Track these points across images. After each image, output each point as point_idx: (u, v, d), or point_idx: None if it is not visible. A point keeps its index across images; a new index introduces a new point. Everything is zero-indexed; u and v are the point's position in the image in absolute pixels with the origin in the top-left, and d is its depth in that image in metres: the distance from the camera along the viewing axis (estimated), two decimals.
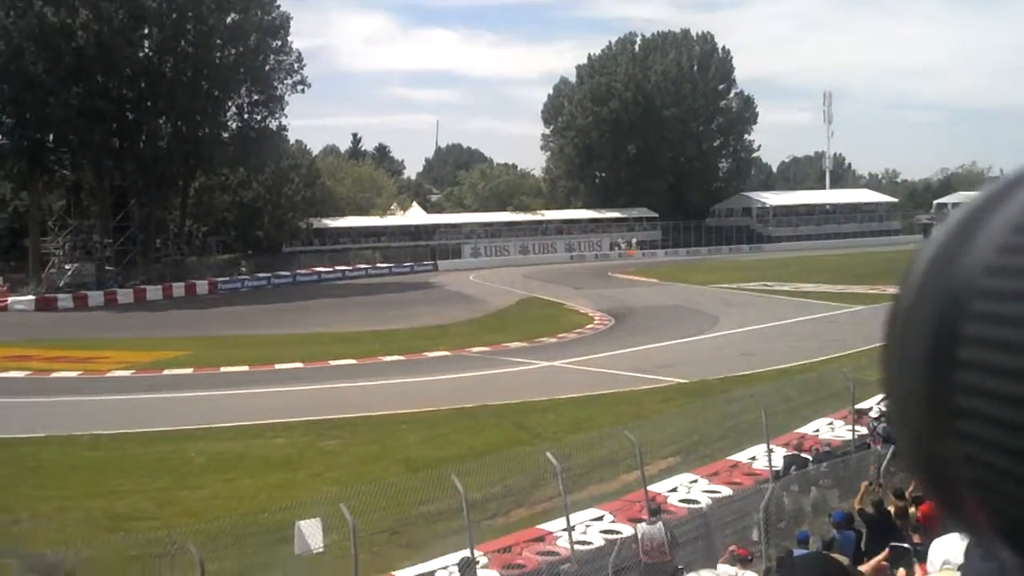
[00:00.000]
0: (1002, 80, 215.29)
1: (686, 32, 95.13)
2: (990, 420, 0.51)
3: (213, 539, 11.17)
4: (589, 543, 12.93)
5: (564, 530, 12.69)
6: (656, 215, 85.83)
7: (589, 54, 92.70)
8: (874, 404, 18.68)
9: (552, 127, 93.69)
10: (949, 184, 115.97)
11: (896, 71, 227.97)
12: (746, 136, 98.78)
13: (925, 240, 0.59)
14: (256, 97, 64.14)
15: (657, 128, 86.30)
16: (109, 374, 28.71)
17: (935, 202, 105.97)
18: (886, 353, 0.59)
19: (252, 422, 21.18)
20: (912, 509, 11.99)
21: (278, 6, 63.40)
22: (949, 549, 3.19)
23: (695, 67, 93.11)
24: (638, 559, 11.68)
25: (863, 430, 17.31)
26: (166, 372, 28.83)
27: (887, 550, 9.96)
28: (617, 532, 13.09)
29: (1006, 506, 0.51)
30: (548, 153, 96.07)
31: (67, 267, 54.45)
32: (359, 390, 25.19)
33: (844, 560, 8.67)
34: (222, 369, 28.85)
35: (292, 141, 76.37)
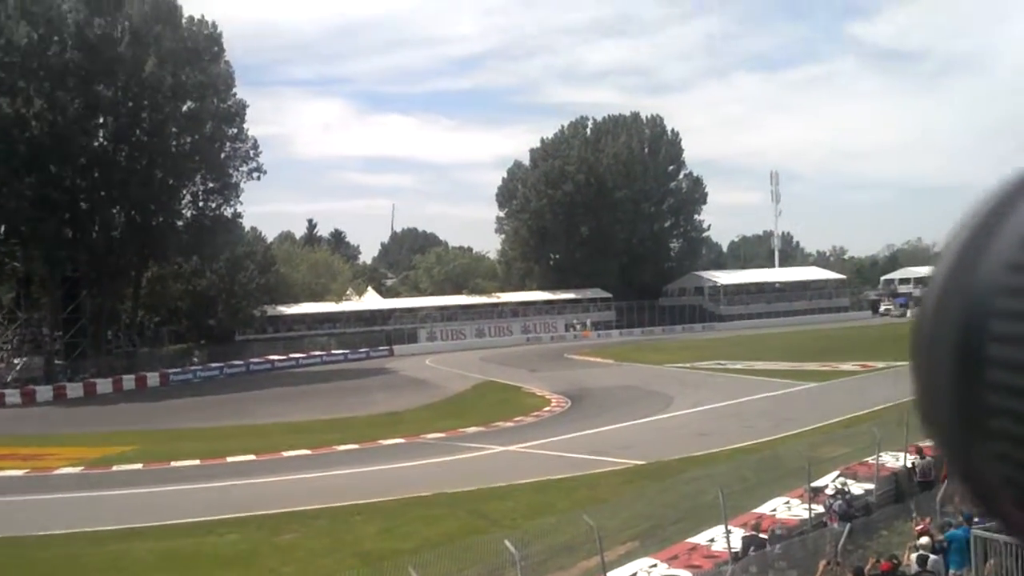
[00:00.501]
0: (945, 158, 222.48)
1: (636, 115, 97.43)
2: (1021, 417, 0.51)
3: None
4: None
5: None
6: (610, 295, 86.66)
7: (542, 138, 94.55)
8: (829, 482, 18.81)
9: (506, 210, 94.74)
10: (896, 260, 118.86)
11: (842, 151, 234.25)
12: (696, 216, 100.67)
13: (946, 242, 0.59)
14: (211, 185, 64.20)
15: (610, 209, 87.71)
16: (57, 471, 27.95)
17: (882, 278, 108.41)
18: (914, 355, 0.60)
19: (204, 518, 20.72)
20: None
21: (234, 94, 64.02)
22: None
23: (646, 149, 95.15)
24: None
25: (819, 508, 17.35)
26: (115, 468, 28.17)
27: None
28: None
29: None
30: (503, 236, 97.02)
31: (15, 361, 53.41)
32: (313, 481, 24.78)
33: None
34: (172, 463, 28.30)
35: (247, 228, 76.56)
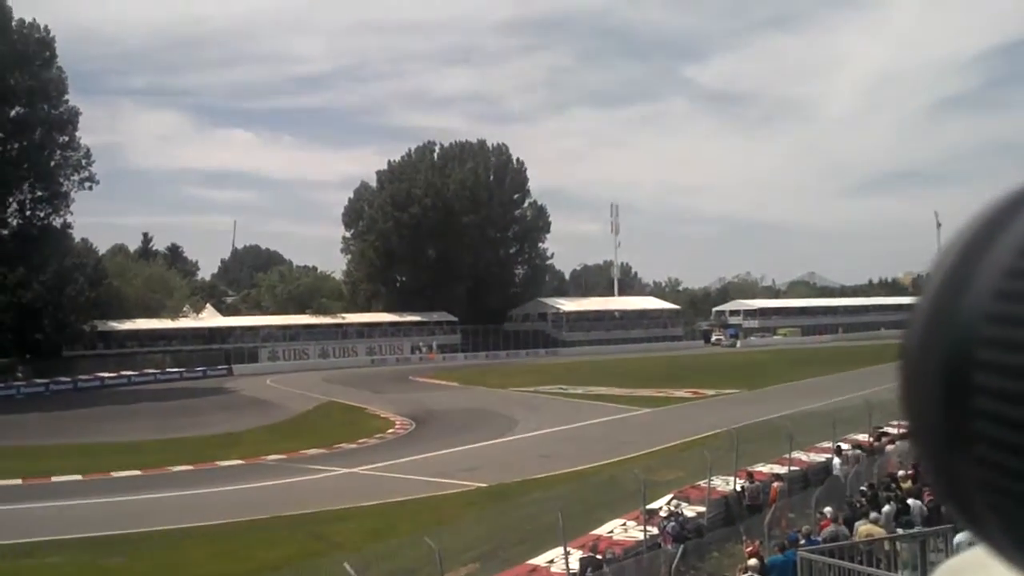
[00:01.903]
0: (771, 197, 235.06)
1: (482, 143, 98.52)
2: (1006, 444, 0.52)
3: None
4: None
5: None
6: (456, 319, 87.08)
7: (389, 160, 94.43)
8: (664, 504, 19.49)
9: (353, 231, 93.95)
10: (726, 292, 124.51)
11: (675, 186, 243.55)
12: (540, 244, 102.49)
13: (933, 264, 0.60)
14: (40, 193, 61.36)
15: (456, 234, 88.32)
16: None
17: (714, 309, 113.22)
18: (902, 377, 0.60)
19: (25, 540, 19.60)
20: None
21: (66, 100, 61.38)
22: None
23: (491, 177, 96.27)
24: None
25: (654, 530, 17.95)
26: None
27: None
28: None
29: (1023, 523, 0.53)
30: (349, 256, 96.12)
31: None
32: (144, 503, 23.80)
33: None
34: None
35: (77, 239, 73.10)
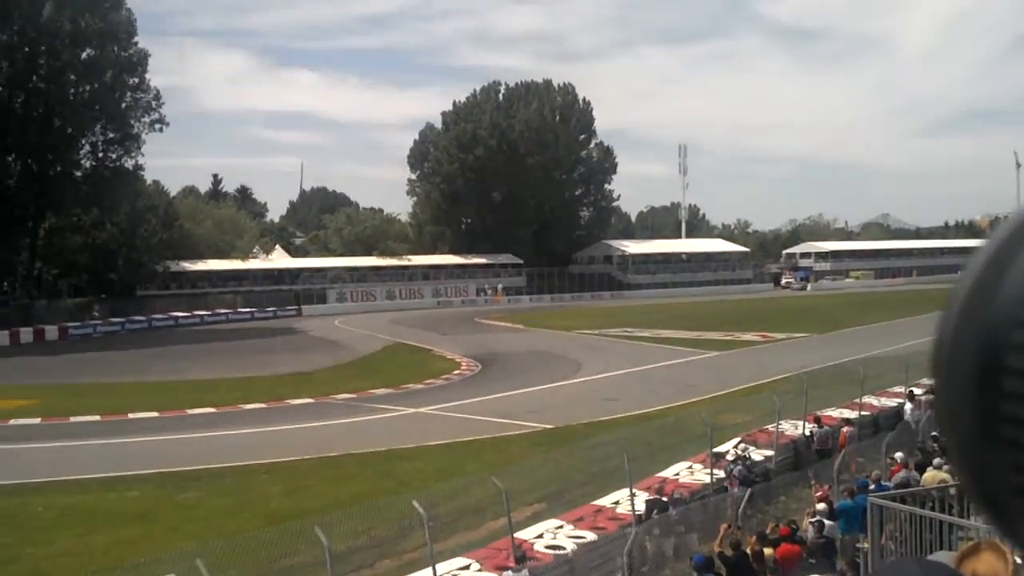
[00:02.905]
0: (847, 136, 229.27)
1: (548, 83, 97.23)
2: None
3: None
4: None
5: None
6: (521, 261, 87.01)
7: (454, 101, 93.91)
8: (730, 448, 19.33)
9: (418, 172, 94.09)
10: (797, 235, 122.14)
11: (747, 125, 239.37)
12: (606, 186, 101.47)
13: (975, 254, 0.60)
14: (111, 135, 62.27)
15: (521, 176, 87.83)
16: None
17: (784, 252, 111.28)
18: (934, 361, 0.61)
19: (104, 474, 20.24)
20: (769, 551, 12.44)
21: (135, 42, 61.98)
22: None
23: (557, 117, 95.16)
24: None
25: (721, 473, 17.84)
26: (12, 422, 27.24)
27: None
28: None
29: None
30: (414, 198, 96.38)
31: None
32: (218, 440, 24.40)
33: None
34: (72, 419, 27.45)
35: (149, 181, 74.40)
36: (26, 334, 53.80)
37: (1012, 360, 0.53)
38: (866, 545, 12.87)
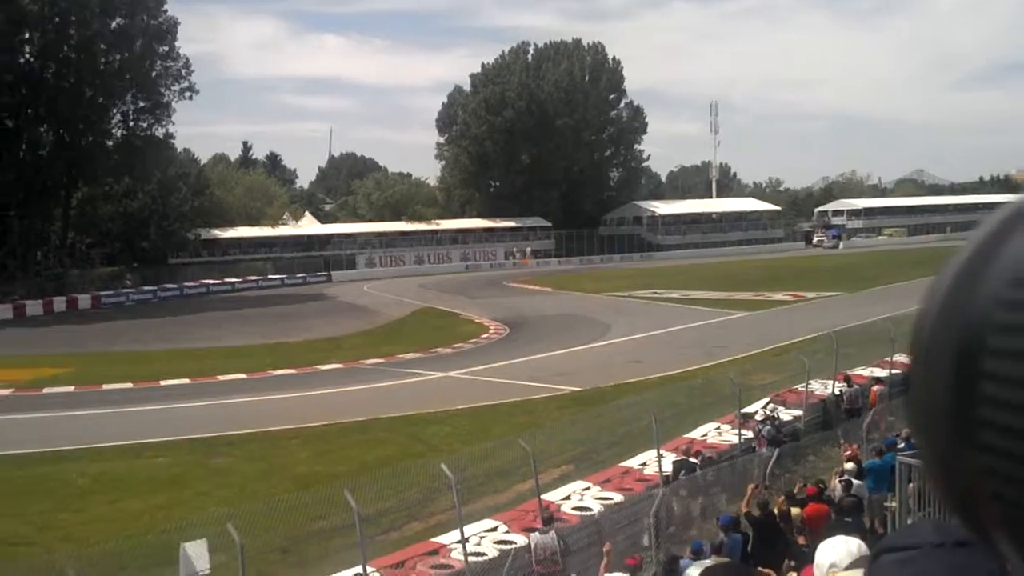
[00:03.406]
0: (881, 92, 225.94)
1: (577, 42, 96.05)
2: (1012, 432, 0.52)
3: (95, 563, 10.80)
4: (483, 554, 12.92)
5: (458, 542, 12.65)
6: (550, 224, 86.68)
7: (483, 63, 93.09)
8: (759, 408, 19.24)
9: (447, 136, 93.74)
10: (830, 192, 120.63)
11: (779, 82, 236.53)
12: (636, 146, 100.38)
13: (953, 254, 0.60)
14: (142, 104, 62.52)
15: (550, 137, 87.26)
16: None
17: (816, 210, 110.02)
18: (911, 363, 0.60)
19: (136, 441, 20.55)
20: (796, 511, 12.38)
21: (165, 11, 61.97)
22: (835, 552, 3.29)
23: (587, 77, 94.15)
24: (531, 569, 11.75)
25: (749, 434, 17.78)
26: (46, 390, 27.71)
27: None
28: (511, 542, 13.12)
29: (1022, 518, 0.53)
30: (443, 162, 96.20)
31: None
32: (248, 406, 24.65)
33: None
34: (105, 387, 27.88)
35: (179, 149, 74.93)
36: (59, 303, 54.37)
37: (990, 364, 0.53)
38: (894, 504, 12.79)
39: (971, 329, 0.54)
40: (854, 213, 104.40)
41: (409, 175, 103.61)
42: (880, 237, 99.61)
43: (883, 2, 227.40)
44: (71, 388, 28.03)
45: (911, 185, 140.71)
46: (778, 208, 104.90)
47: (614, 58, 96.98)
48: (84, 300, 56.49)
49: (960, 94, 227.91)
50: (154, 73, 62.27)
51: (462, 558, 12.42)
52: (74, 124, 57.90)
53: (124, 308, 56.53)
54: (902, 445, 14.16)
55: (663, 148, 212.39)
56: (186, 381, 28.57)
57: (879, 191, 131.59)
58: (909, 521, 10.36)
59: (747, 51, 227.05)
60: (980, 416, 0.53)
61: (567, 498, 15.23)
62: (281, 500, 13.25)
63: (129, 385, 28.08)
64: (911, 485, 11.03)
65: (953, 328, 0.56)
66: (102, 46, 58.37)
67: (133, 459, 19.25)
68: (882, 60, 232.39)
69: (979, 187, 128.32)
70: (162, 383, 28.25)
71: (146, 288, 62.14)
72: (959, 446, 0.55)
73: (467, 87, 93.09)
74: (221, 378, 29.01)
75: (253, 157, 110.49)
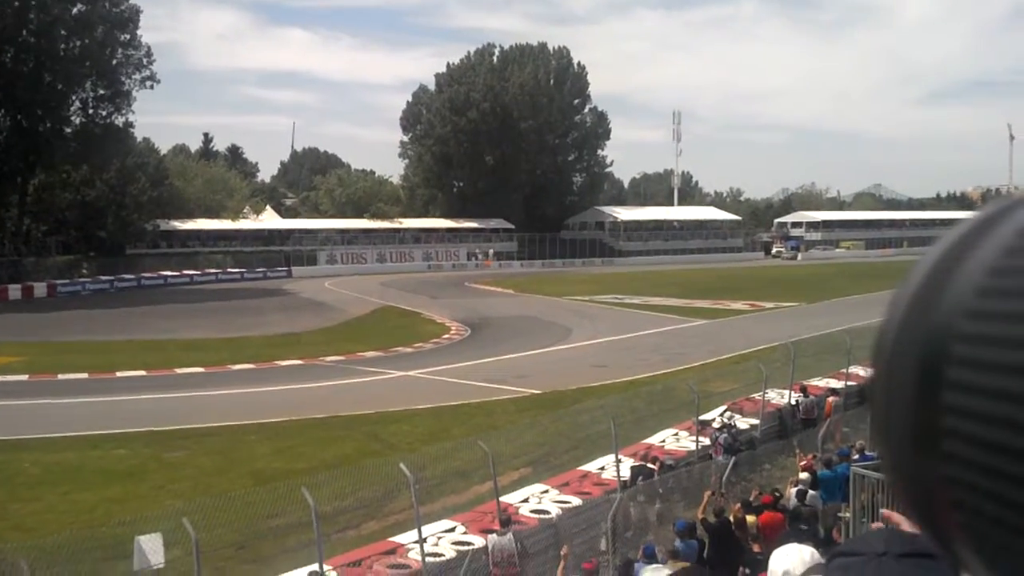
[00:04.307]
0: (840, 105, 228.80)
1: (543, 46, 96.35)
2: (975, 441, 0.52)
3: (47, 555, 10.64)
4: (441, 555, 12.93)
5: (415, 542, 12.64)
6: (512, 226, 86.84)
7: (448, 63, 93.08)
8: (716, 415, 19.42)
9: (411, 135, 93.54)
10: (789, 204, 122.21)
11: (742, 92, 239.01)
12: (599, 151, 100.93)
13: (919, 261, 0.59)
14: (102, 92, 61.82)
15: (515, 140, 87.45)
16: None
17: (775, 221, 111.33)
18: (874, 371, 0.60)
19: (91, 432, 20.24)
20: (752, 519, 12.53)
21: None
22: (788, 559, 3.35)
23: (551, 81, 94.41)
24: (489, 571, 11.78)
25: (706, 441, 17.92)
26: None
27: None
28: (468, 544, 13.14)
29: (985, 527, 0.52)
30: (406, 161, 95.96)
31: None
32: (206, 399, 24.41)
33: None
34: (60, 376, 27.49)
35: (139, 139, 73.86)
36: (14, 291, 53.63)
37: (954, 373, 0.53)
38: (848, 514, 13.01)
39: (935, 338, 0.54)
40: (813, 225, 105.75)
41: (372, 172, 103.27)
42: (838, 250, 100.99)
43: (845, 16, 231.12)
44: (25, 377, 27.58)
45: (869, 199, 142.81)
46: (738, 218, 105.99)
47: (579, 63, 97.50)
48: (40, 288, 55.75)
49: (919, 110, 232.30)
50: (115, 61, 61.65)
51: (419, 558, 12.40)
52: (32, 110, 57.03)
53: (80, 297, 55.77)
54: (856, 456, 14.40)
55: (626, 154, 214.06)
56: (143, 373, 28.25)
57: (837, 204, 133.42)
58: (863, 530, 10.54)
59: (710, 61, 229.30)
60: (943, 425, 0.53)
61: (525, 500, 15.26)
62: (238, 496, 13.15)
63: (85, 375, 27.68)
64: (863, 496, 11.24)
65: (917, 336, 0.56)
66: (62, 32, 57.67)
67: (88, 450, 18.98)
68: (843, 74, 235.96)
69: (936, 203, 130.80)
70: (118, 374, 27.90)
71: (103, 278, 61.42)
72: (921, 454, 0.55)
73: (432, 86, 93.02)
74: (179, 371, 28.73)
75: (214, 149, 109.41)
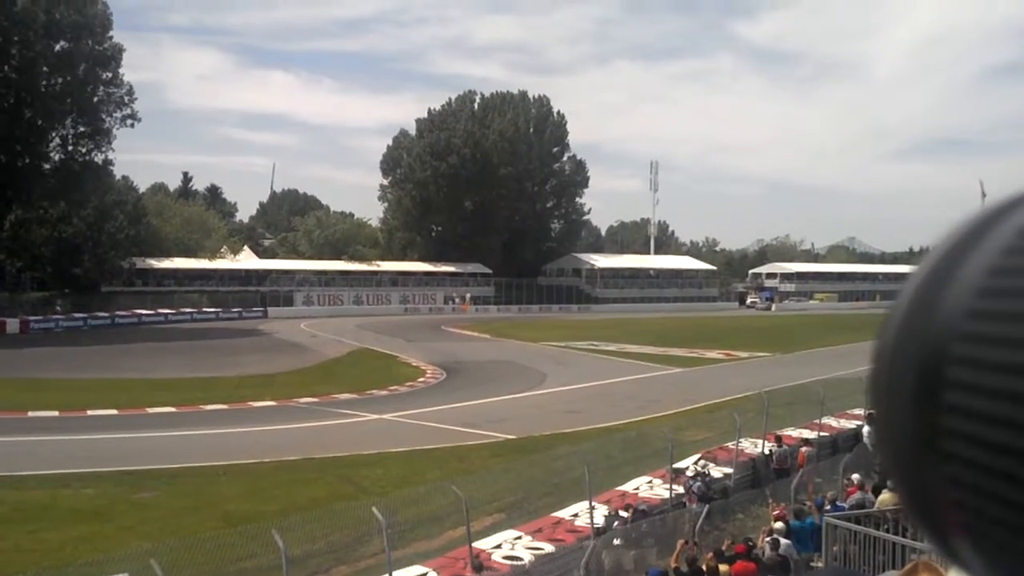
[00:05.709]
0: (815, 159, 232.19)
1: (524, 94, 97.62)
2: (976, 441, 0.52)
3: None
4: None
5: None
6: (490, 271, 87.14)
7: (429, 108, 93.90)
8: (690, 464, 19.48)
9: (391, 178, 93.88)
10: (764, 255, 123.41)
11: (718, 145, 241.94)
12: (578, 199, 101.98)
13: (920, 260, 0.60)
14: (82, 129, 61.83)
15: (494, 186, 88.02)
16: None
17: (750, 271, 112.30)
18: (874, 372, 0.60)
19: (60, 471, 19.96)
20: (724, 568, 12.54)
21: (110, 37, 61.52)
22: None
23: (531, 129, 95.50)
24: None
25: (680, 489, 17.96)
26: None
27: None
28: None
29: (986, 527, 0.52)
30: (386, 204, 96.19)
31: None
32: (178, 440, 24.17)
33: None
34: (30, 413, 27.10)
35: (118, 177, 73.81)
36: None
37: (955, 373, 0.53)
38: (820, 564, 13.05)
39: (936, 338, 0.54)
40: (787, 276, 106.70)
41: (351, 215, 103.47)
42: (812, 301, 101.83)
43: (820, 71, 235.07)
44: None
45: (843, 252, 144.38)
46: (714, 268, 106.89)
47: (559, 112, 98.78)
48: (12, 324, 55.26)
49: (892, 165, 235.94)
50: (96, 98, 61.71)
51: None
52: (11, 145, 56.91)
53: (53, 334, 55.26)
54: (828, 507, 14.47)
55: (604, 203, 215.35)
56: (114, 412, 27.94)
57: (812, 256, 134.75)
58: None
59: (688, 113, 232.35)
60: (944, 425, 0.53)
61: (498, 546, 15.20)
62: (207, 537, 13.02)
63: (55, 413, 27.32)
64: (835, 547, 11.30)
65: (918, 336, 0.56)
66: (44, 68, 57.73)
67: (57, 489, 18.71)
68: (819, 129, 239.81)
69: (909, 257, 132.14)
70: (89, 413, 27.56)
71: (77, 315, 60.90)
72: (922, 455, 0.55)
73: (413, 131, 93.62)
74: (150, 410, 28.44)
75: (193, 188, 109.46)
